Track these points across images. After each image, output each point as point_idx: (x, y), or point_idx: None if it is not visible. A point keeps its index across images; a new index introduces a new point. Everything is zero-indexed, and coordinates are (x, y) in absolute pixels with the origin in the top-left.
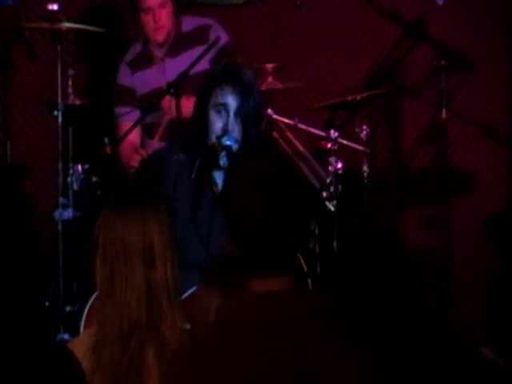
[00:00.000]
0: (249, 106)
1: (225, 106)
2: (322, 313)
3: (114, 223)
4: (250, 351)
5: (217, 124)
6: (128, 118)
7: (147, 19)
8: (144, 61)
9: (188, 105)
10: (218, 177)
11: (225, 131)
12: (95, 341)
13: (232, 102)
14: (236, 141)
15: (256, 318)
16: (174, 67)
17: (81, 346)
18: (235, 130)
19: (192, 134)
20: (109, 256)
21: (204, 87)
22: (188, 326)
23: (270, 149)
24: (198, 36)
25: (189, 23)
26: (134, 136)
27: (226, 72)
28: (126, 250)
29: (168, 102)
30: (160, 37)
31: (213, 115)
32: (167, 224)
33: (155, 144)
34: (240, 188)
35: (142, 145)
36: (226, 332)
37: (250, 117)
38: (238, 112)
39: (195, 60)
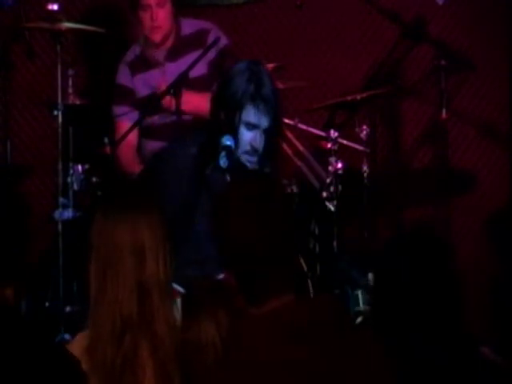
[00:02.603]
0: (276, 124)
1: (257, 126)
2: (329, 317)
3: (105, 223)
4: (276, 362)
5: (245, 139)
6: (126, 118)
7: (145, 16)
8: (143, 63)
9: (190, 100)
10: (217, 176)
11: (253, 149)
12: (89, 342)
13: (264, 122)
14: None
15: (271, 331)
16: (173, 71)
17: (76, 347)
18: (261, 147)
19: (207, 135)
20: (101, 255)
21: (235, 100)
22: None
23: (261, 174)
24: (197, 40)
25: (188, 27)
26: (133, 137)
27: (259, 89)
28: (116, 248)
29: (169, 100)
30: (156, 36)
31: (243, 130)
32: (159, 222)
33: (153, 144)
34: (231, 216)
35: (140, 146)
36: (247, 348)
37: (275, 132)
38: (267, 131)
39: (194, 61)
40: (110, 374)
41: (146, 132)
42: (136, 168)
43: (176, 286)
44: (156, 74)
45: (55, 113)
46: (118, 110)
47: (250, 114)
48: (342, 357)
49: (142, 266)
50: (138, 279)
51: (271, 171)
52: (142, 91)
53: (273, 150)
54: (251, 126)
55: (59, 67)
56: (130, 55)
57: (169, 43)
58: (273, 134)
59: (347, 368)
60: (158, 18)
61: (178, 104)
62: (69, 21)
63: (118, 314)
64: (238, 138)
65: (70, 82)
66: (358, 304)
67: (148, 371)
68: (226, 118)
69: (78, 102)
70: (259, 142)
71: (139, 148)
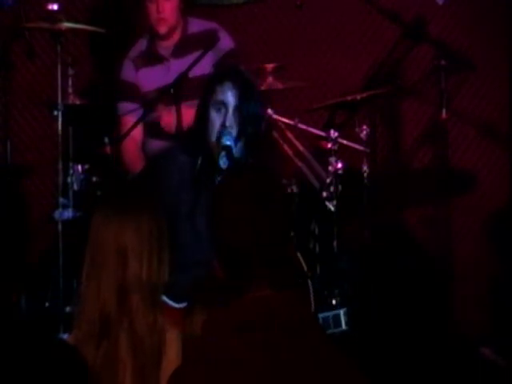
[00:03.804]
0: (248, 106)
1: (224, 103)
2: (296, 313)
3: (94, 222)
4: (245, 348)
5: (216, 121)
6: (131, 114)
7: (151, 8)
8: (148, 58)
9: (188, 115)
10: (217, 176)
11: (223, 127)
12: (74, 341)
13: (231, 99)
14: (235, 140)
15: (245, 318)
16: (178, 68)
17: None
18: (234, 127)
19: (193, 134)
20: (89, 256)
21: (206, 88)
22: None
23: (256, 167)
24: (204, 40)
25: (196, 26)
26: (137, 133)
27: (226, 71)
28: (101, 247)
29: (167, 117)
30: (162, 29)
31: (213, 113)
32: (148, 225)
33: (156, 143)
34: (225, 209)
35: (143, 144)
36: (221, 333)
37: (249, 117)
38: (236, 109)
39: (194, 61)
40: (91, 372)
41: (149, 130)
42: (139, 166)
43: (168, 301)
44: (160, 69)
45: (55, 113)
46: (122, 106)
47: (218, 94)
48: (294, 355)
49: (125, 266)
50: (120, 279)
51: (257, 162)
52: (146, 86)
53: (251, 135)
54: (219, 105)
55: (59, 67)
56: (135, 50)
57: (175, 39)
58: (247, 118)
59: (301, 368)
60: (164, 10)
61: (178, 102)
62: (69, 21)
63: (98, 312)
64: (209, 126)
65: (70, 82)
66: (340, 325)
67: (128, 369)
68: (201, 106)
69: (77, 102)
70: (230, 121)
71: (143, 147)
